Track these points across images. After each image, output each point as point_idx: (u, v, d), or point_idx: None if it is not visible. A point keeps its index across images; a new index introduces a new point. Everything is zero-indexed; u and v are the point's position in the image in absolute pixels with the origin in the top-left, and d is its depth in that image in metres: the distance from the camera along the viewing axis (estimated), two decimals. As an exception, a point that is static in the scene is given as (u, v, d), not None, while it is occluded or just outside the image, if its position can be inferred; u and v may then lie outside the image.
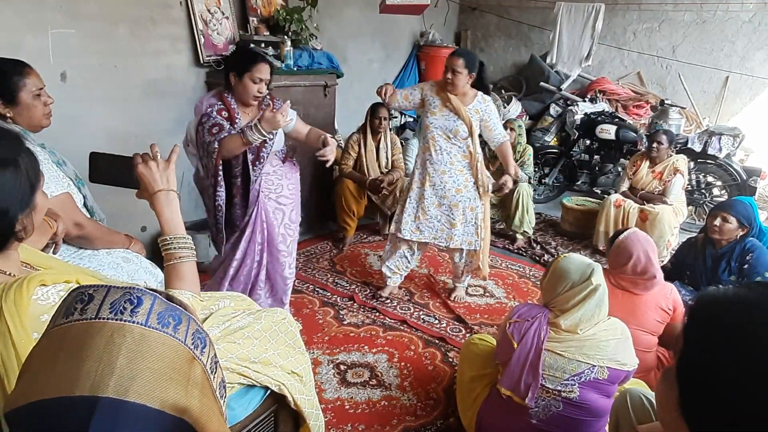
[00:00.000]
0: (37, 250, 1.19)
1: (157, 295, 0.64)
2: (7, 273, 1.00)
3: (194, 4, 3.44)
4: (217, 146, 2.21)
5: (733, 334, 0.66)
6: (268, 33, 3.87)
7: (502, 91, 6.12)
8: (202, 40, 3.50)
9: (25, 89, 1.70)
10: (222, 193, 2.31)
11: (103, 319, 0.59)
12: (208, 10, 3.55)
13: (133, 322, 0.59)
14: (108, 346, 0.57)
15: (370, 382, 2.40)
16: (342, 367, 2.50)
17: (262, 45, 3.77)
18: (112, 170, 1.28)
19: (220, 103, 2.30)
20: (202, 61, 3.52)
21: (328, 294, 3.23)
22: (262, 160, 2.37)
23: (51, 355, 0.59)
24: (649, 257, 2.20)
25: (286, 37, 3.82)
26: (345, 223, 3.95)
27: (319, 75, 3.91)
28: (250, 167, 2.33)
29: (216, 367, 0.69)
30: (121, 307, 0.60)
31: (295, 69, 3.76)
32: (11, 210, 0.96)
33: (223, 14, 3.65)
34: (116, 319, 0.59)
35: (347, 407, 2.24)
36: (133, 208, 3.36)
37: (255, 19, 3.86)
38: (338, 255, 3.85)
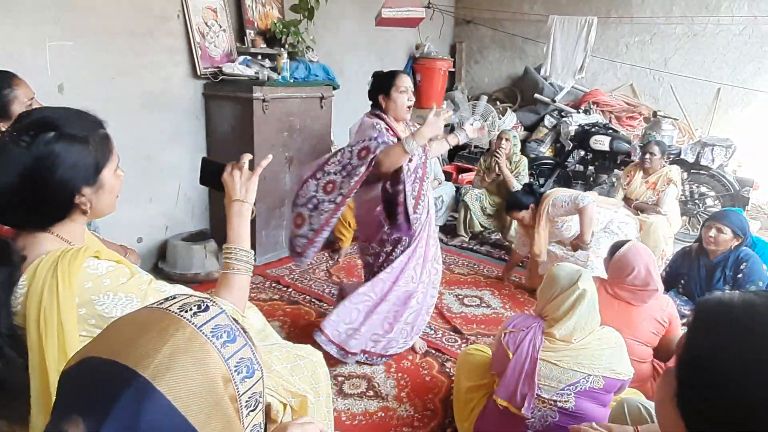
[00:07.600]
0: (96, 239, 1.26)
1: (226, 312, 0.69)
2: (71, 243, 1.06)
3: (191, 17, 3.47)
4: (363, 170, 2.28)
5: (736, 332, 0.71)
6: (264, 45, 3.90)
7: (497, 102, 6.17)
8: (200, 52, 3.53)
9: (17, 101, 1.68)
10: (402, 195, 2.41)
11: (171, 311, 0.66)
12: (206, 23, 3.59)
13: (189, 322, 0.64)
14: (162, 332, 0.62)
15: (367, 393, 2.40)
16: (339, 379, 2.49)
17: (259, 57, 3.80)
18: (210, 175, 1.34)
19: (382, 123, 2.38)
20: (199, 74, 3.55)
21: (325, 305, 3.23)
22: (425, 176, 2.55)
23: (121, 326, 0.66)
24: (650, 270, 2.16)
25: (282, 49, 3.85)
26: (340, 233, 3.95)
27: (315, 87, 3.94)
28: (416, 183, 2.49)
29: (255, 405, 0.68)
30: (188, 307, 0.67)
31: (292, 81, 3.78)
32: (71, 182, 1.02)
33: (221, 27, 3.69)
34: (179, 315, 0.65)
35: (344, 419, 2.23)
36: (131, 219, 3.40)
37: (252, 31, 3.90)
38: (334, 265, 3.85)
